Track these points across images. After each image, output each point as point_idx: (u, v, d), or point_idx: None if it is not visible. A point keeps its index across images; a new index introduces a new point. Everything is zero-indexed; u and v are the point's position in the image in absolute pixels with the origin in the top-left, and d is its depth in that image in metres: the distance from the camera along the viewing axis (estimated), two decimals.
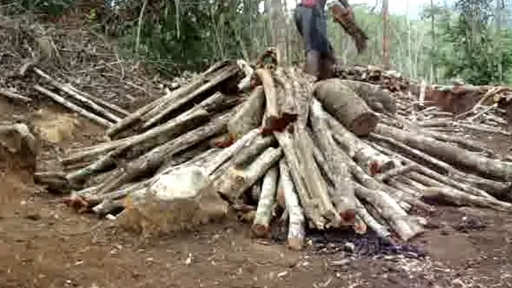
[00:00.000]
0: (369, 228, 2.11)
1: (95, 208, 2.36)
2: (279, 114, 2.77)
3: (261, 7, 12.40)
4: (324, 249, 1.95)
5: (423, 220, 2.24)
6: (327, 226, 2.04)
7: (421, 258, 1.83)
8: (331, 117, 3.02)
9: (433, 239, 2.03)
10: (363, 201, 2.30)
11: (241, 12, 10.93)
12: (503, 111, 6.06)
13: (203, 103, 3.19)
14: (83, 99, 5.06)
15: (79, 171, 2.89)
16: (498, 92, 6.35)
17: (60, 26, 6.48)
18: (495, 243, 1.93)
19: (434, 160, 2.81)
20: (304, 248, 1.97)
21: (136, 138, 2.99)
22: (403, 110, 6.05)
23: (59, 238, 1.93)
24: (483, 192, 2.51)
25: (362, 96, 3.17)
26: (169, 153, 2.78)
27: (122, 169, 2.73)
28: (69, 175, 2.86)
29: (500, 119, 5.84)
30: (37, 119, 4.45)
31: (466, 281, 1.61)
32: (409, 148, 2.88)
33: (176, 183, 2.05)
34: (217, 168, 2.53)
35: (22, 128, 2.81)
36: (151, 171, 2.70)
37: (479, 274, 1.66)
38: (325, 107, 3.07)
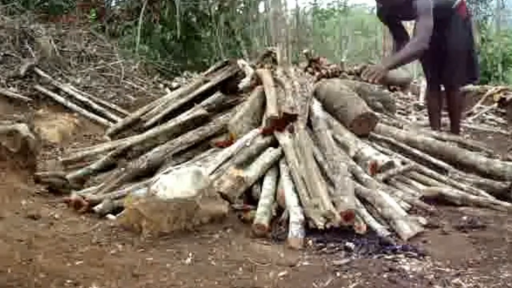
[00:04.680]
0: (369, 228, 2.11)
1: (95, 208, 2.36)
2: (279, 114, 2.77)
3: (261, 7, 12.41)
4: (324, 249, 1.95)
5: (423, 220, 2.24)
6: (327, 226, 2.04)
7: (421, 258, 1.83)
8: (331, 117, 3.02)
9: (433, 239, 2.03)
10: (363, 201, 2.30)
11: (241, 12, 10.94)
12: (503, 111, 6.07)
13: (203, 103, 3.19)
14: (84, 99, 5.07)
15: (80, 171, 2.89)
16: (498, 92, 6.36)
17: (60, 26, 6.48)
18: (495, 243, 1.93)
19: (434, 160, 2.81)
20: (304, 248, 1.97)
21: (136, 138, 2.99)
22: (403, 110, 6.05)
23: (59, 238, 1.93)
24: (483, 192, 2.51)
25: (362, 96, 3.16)
26: (169, 153, 2.78)
27: (122, 169, 2.74)
28: (69, 175, 2.86)
29: (500, 119, 5.85)
30: (37, 119, 4.45)
31: (466, 280, 1.61)
32: (409, 148, 2.88)
33: (176, 183, 2.05)
34: (218, 168, 2.53)
35: (23, 128, 2.81)
36: (151, 171, 2.71)
37: (479, 273, 1.66)
38: (325, 107, 3.07)
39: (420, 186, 2.60)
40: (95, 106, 5.03)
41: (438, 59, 3.97)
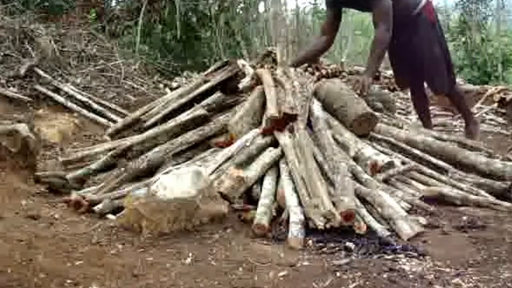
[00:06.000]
0: (369, 228, 2.11)
1: (95, 208, 2.36)
2: (279, 114, 2.77)
3: (261, 7, 12.41)
4: (324, 249, 1.95)
5: (423, 220, 2.24)
6: (327, 226, 2.04)
7: (421, 257, 1.83)
8: (331, 117, 3.02)
9: (433, 239, 2.04)
10: (363, 201, 2.30)
11: (241, 12, 10.93)
12: (503, 111, 6.08)
13: (203, 103, 3.19)
14: (84, 99, 5.07)
15: (80, 171, 2.89)
16: (498, 92, 6.38)
17: (60, 26, 6.48)
18: (495, 243, 1.93)
19: (434, 160, 2.81)
20: (304, 248, 1.97)
21: (136, 138, 2.99)
22: (403, 110, 6.06)
23: (59, 238, 1.93)
24: (483, 192, 2.51)
25: (362, 96, 3.17)
26: (169, 153, 2.78)
27: (122, 169, 2.74)
28: (69, 175, 2.85)
29: (500, 119, 5.86)
30: (37, 119, 4.45)
31: (466, 280, 1.61)
32: (409, 148, 2.88)
33: (176, 183, 2.05)
34: (217, 168, 2.53)
35: (23, 128, 2.80)
36: (151, 171, 2.71)
37: (479, 273, 1.66)
38: (325, 107, 3.07)
39: (420, 186, 2.60)
40: (95, 106, 5.03)
41: (408, 64, 3.86)
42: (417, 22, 3.67)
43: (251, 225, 2.13)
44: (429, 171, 2.73)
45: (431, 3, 3.78)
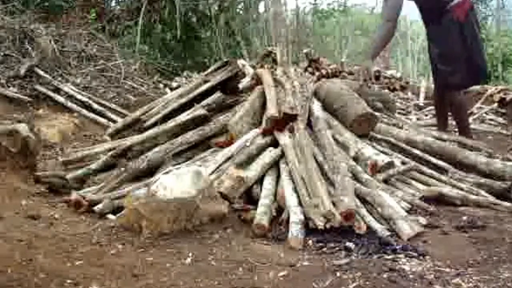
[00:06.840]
0: (369, 228, 2.11)
1: (95, 208, 2.36)
2: (279, 114, 2.77)
3: (261, 7, 12.41)
4: (324, 249, 1.95)
5: (423, 220, 2.24)
6: (327, 226, 2.04)
7: (421, 257, 1.83)
8: (331, 117, 3.02)
9: (433, 239, 2.04)
10: (363, 201, 2.30)
11: (241, 12, 10.94)
12: (503, 111, 6.08)
13: (203, 103, 3.20)
14: (84, 99, 5.07)
15: (80, 171, 2.89)
16: (498, 92, 6.38)
17: (60, 26, 6.49)
18: (495, 243, 1.94)
19: (434, 160, 2.81)
20: (304, 248, 1.97)
21: (136, 138, 2.99)
22: (403, 110, 6.05)
23: (59, 238, 1.93)
24: (483, 192, 2.52)
25: (362, 96, 3.17)
26: (169, 153, 2.78)
27: (122, 169, 2.74)
28: (69, 175, 2.86)
29: (500, 119, 5.86)
30: (37, 119, 4.45)
31: (466, 280, 1.61)
32: (409, 148, 2.89)
33: (176, 183, 2.05)
34: (217, 168, 2.53)
35: (23, 128, 2.80)
36: (151, 171, 2.71)
37: (479, 273, 1.66)
38: (325, 107, 3.07)
39: (420, 186, 2.60)
40: (95, 106, 5.03)
41: (431, 57, 3.94)
42: (444, 16, 3.72)
43: (251, 225, 2.13)
44: (429, 171, 2.73)
45: (465, 5, 3.72)
